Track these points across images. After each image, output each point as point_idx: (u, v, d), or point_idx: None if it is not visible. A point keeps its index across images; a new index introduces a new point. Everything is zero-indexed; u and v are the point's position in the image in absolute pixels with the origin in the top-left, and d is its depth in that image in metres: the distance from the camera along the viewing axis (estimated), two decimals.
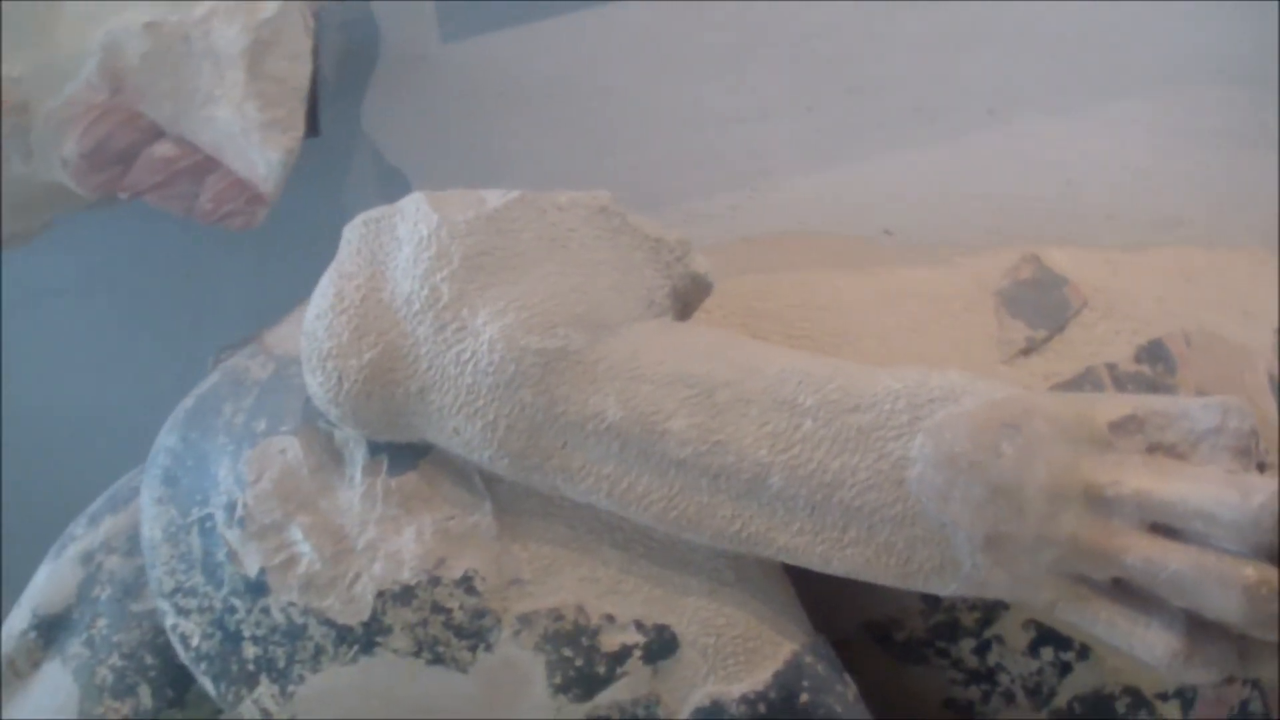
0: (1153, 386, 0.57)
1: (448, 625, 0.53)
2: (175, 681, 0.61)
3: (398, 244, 0.53)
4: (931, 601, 0.58)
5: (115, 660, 0.61)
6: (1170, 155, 0.68)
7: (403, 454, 0.54)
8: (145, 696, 0.61)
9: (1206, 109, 0.68)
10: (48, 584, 0.64)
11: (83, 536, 0.64)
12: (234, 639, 0.55)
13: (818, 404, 0.51)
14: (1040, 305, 0.60)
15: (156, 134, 0.60)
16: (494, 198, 0.53)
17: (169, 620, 0.56)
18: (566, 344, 0.51)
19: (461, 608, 0.53)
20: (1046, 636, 0.56)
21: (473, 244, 0.52)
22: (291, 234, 0.69)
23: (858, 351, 0.59)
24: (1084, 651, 0.56)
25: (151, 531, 0.57)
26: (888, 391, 0.51)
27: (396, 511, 0.53)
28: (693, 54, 0.72)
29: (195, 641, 0.56)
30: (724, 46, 0.72)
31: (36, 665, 0.64)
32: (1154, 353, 0.58)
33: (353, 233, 0.55)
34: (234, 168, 0.59)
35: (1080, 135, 0.69)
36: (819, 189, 0.71)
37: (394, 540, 0.53)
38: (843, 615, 0.58)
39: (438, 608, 0.53)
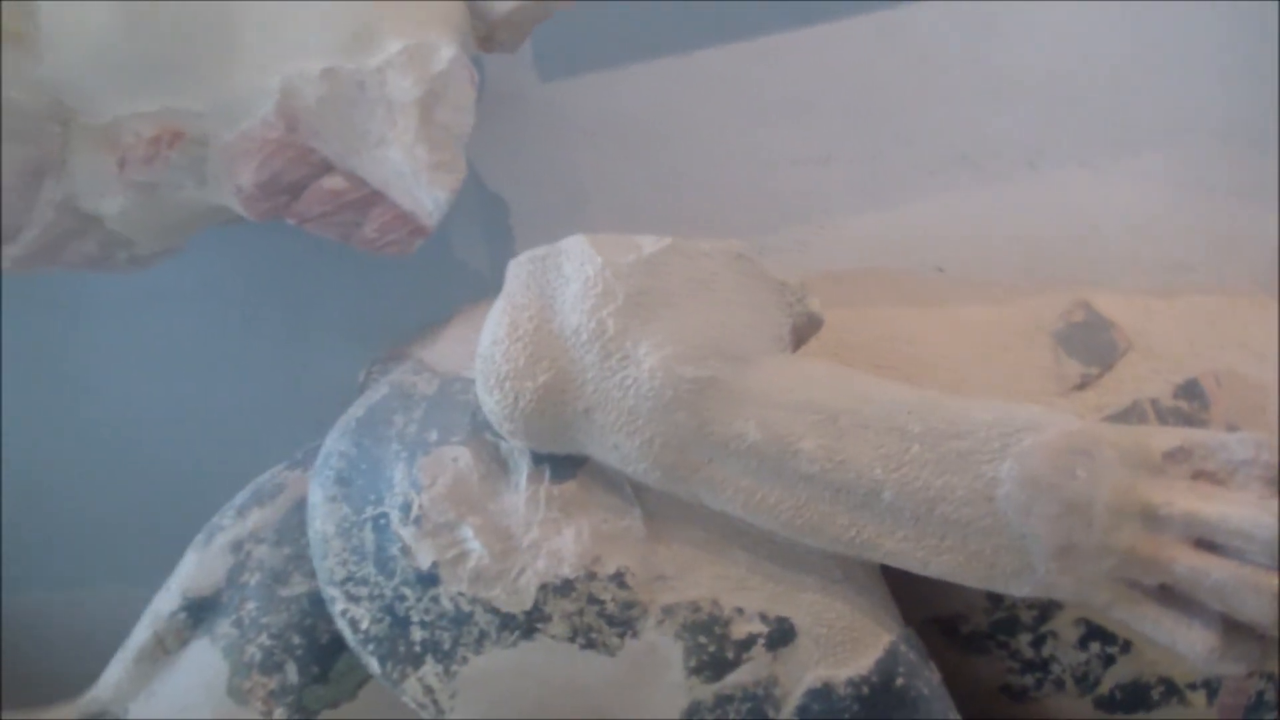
0: (1189, 420, 0.68)
1: (601, 615, 0.62)
2: (320, 660, 0.70)
3: (564, 281, 0.63)
4: (994, 599, 0.68)
5: (264, 639, 0.70)
6: (1180, 207, 0.79)
7: (562, 464, 0.64)
8: (291, 673, 0.70)
9: (1212, 165, 0.79)
10: (197, 569, 0.72)
11: (230, 527, 0.73)
12: (402, 623, 0.64)
13: (924, 431, 0.61)
14: (1092, 346, 0.71)
15: (326, 168, 0.67)
16: (649, 243, 0.63)
17: (338, 606, 0.66)
18: (716, 374, 0.61)
19: (613, 599, 0.62)
20: (1094, 632, 0.67)
21: (634, 284, 0.62)
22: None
23: (936, 380, 0.69)
24: (1126, 645, 0.67)
25: (324, 526, 0.66)
26: (981, 422, 0.61)
27: (557, 515, 0.63)
28: (766, 101, 0.81)
29: (364, 625, 0.65)
30: (795, 96, 0.81)
31: (184, 643, 0.72)
32: (1190, 390, 0.69)
33: (520, 268, 0.64)
34: (399, 203, 0.67)
35: (1103, 186, 0.80)
36: (877, 228, 0.81)
37: (555, 540, 0.62)
38: (914, 609, 0.68)
39: (593, 599, 0.62)
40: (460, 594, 0.63)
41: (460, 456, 0.64)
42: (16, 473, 0.90)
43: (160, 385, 0.89)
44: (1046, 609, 0.68)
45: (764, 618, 0.63)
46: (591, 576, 0.62)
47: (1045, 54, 0.80)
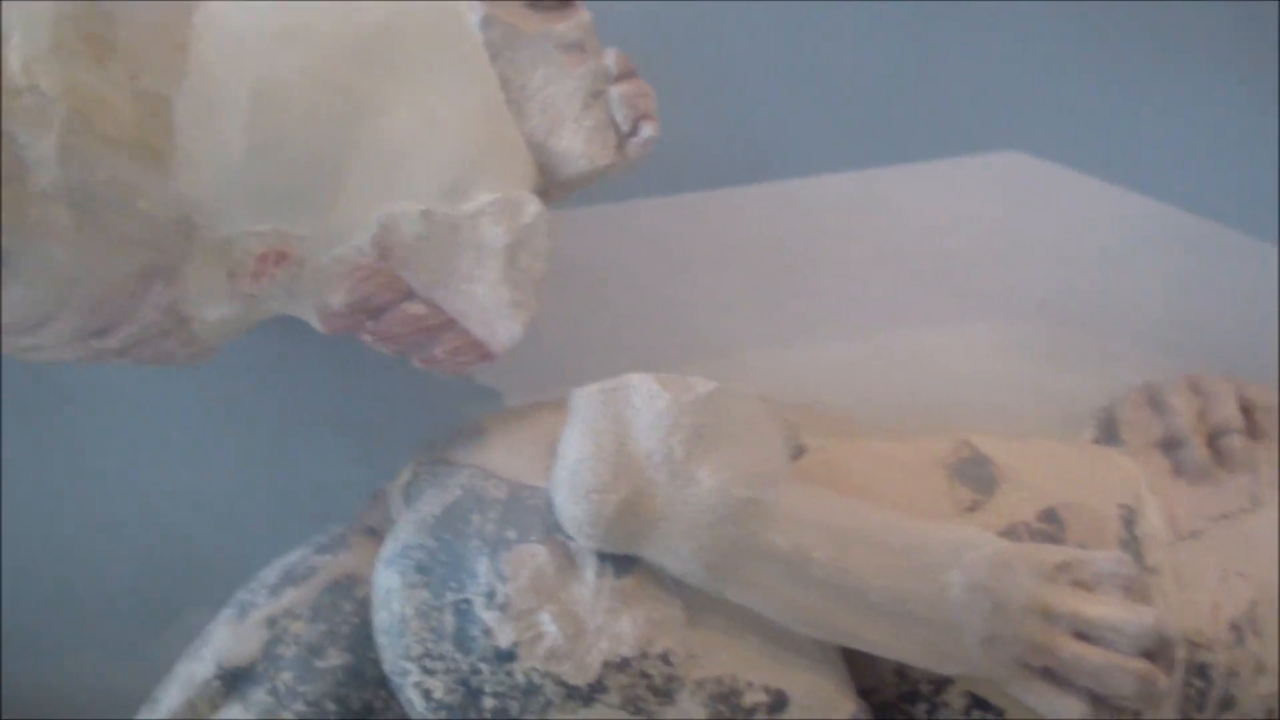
0: (1052, 540, 0.87)
1: (649, 687, 0.78)
2: None
3: (635, 411, 0.79)
4: (901, 674, 0.86)
5: (299, 706, 0.82)
6: (1009, 367, 1.04)
7: (622, 563, 0.79)
8: None
9: (1034, 334, 1.04)
10: (233, 642, 0.83)
11: (265, 604, 0.84)
12: (475, 694, 0.78)
13: (901, 546, 0.81)
14: (977, 477, 0.90)
15: (408, 294, 0.78)
16: (700, 384, 0.79)
17: (412, 678, 0.78)
18: (757, 495, 0.78)
19: (659, 674, 0.78)
20: (977, 702, 0.84)
21: (696, 418, 0.79)
22: (376, 362, 0.91)
23: (873, 501, 0.89)
24: (1000, 713, 0.84)
25: (403, 609, 0.79)
26: (938, 540, 0.81)
27: (618, 605, 0.78)
28: (689, 252, 0.99)
29: (438, 694, 0.78)
30: (713, 249, 0.99)
31: (215, 709, 0.83)
32: (1050, 516, 0.88)
33: (593, 398, 0.80)
34: (471, 330, 0.80)
35: (951, 345, 1.02)
36: (772, 366, 1.00)
37: (616, 625, 0.78)
38: None
39: (644, 674, 0.78)
40: (534, 669, 0.78)
41: (538, 553, 0.79)
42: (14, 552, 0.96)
43: (154, 473, 0.97)
44: (941, 683, 0.86)
45: (766, 689, 0.80)
46: (644, 656, 0.78)
47: (911, 230, 1.02)
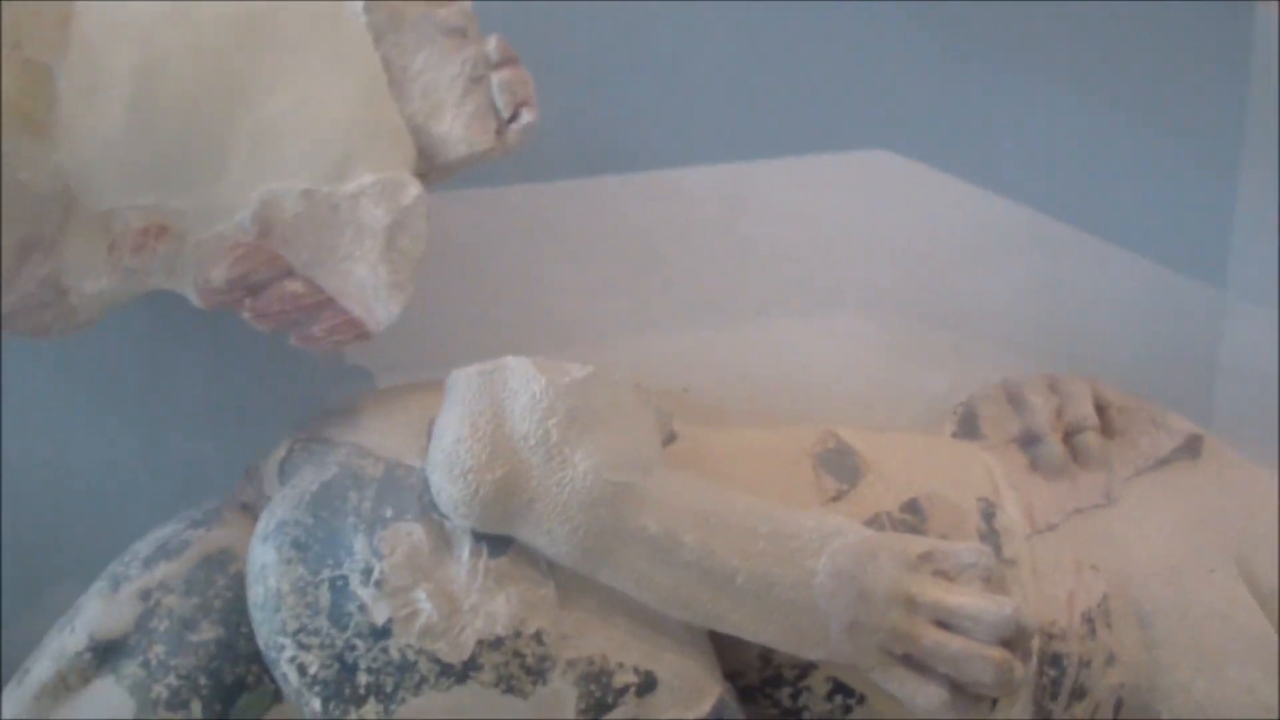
0: (913, 530, 0.90)
1: (521, 666, 0.79)
2: (223, 699, 0.82)
3: (511, 393, 0.81)
4: (765, 659, 0.88)
5: (171, 679, 0.82)
6: (875, 360, 1.07)
7: (496, 543, 0.81)
8: (197, 710, 0.81)
9: (897, 333, 1.08)
10: (105, 614, 0.83)
11: (138, 577, 0.84)
12: (350, 669, 0.79)
13: (769, 532, 0.83)
14: (842, 468, 0.93)
15: (288, 272, 0.79)
16: (575, 369, 0.81)
17: (287, 653, 0.79)
18: (630, 479, 0.80)
19: (532, 654, 0.80)
20: (839, 688, 0.87)
21: (571, 401, 0.81)
22: (249, 339, 0.91)
23: (740, 489, 0.92)
24: (861, 698, 0.87)
25: (278, 584, 0.80)
26: (806, 526, 0.83)
27: (492, 584, 0.80)
28: (558, 238, 1.01)
29: (313, 670, 0.79)
30: (581, 237, 1.02)
31: (86, 681, 0.82)
32: (912, 507, 0.91)
33: (470, 380, 0.81)
34: (349, 309, 0.81)
35: (813, 336, 1.06)
36: (638, 352, 1.03)
37: (490, 604, 0.79)
38: None
39: (517, 653, 0.79)
40: (408, 645, 0.79)
41: (414, 531, 0.80)
42: None
43: (28, 444, 0.97)
44: (805, 669, 0.88)
45: (636, 671, 0.82)
46: (517, 635, 0.80)
47: (779, 224, 1.05)
